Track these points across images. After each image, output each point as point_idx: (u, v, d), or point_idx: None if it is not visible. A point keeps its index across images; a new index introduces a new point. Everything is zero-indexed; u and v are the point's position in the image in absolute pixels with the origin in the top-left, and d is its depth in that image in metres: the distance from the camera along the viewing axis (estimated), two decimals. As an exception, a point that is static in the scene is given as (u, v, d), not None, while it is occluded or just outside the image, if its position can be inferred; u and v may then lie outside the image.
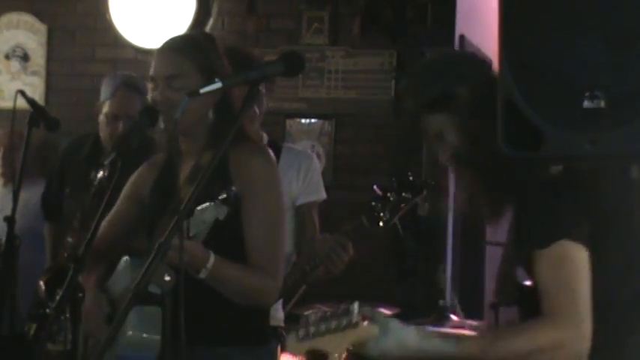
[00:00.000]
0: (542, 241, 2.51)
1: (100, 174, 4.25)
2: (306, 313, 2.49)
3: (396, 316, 5.18)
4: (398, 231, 3.58)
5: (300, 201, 4.23)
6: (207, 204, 2.82)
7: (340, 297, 4.93)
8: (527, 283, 2.67)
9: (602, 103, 2.26)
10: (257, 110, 4.02)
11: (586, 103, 2.27)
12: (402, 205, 3.77)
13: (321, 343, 2.48)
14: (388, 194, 3.77)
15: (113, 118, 4.61)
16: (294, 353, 2.52)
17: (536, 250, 2.51)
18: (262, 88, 4.02)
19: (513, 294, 2.74)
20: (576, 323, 2.47)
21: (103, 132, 4.66)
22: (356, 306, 2.48)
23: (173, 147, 3.13)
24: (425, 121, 2.78)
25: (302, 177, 4.21)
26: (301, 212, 4.20)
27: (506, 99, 2.35)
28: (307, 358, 2.62)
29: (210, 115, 3.16)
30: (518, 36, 2.36)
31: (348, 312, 2.47)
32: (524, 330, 2.52)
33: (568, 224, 2.51)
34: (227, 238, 3.06)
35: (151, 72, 3.19)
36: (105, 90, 4.70)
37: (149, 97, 3.22)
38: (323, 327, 2.47)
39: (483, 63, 2.83)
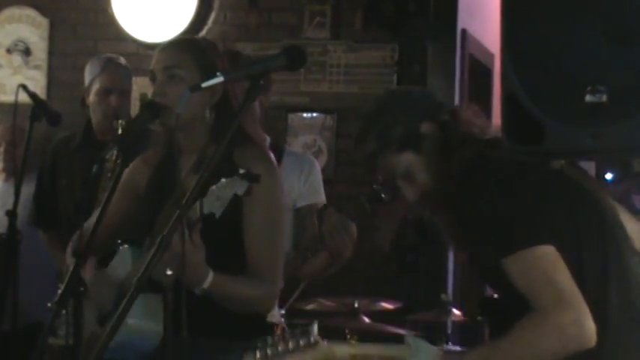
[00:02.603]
0: (509, 247, 2.53)
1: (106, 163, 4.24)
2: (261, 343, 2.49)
3: (397, 310, 5.20)
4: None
5: (301, 203, 4.23)
6: (225, 180, 2.79)
7: (342, 291, 4.95)
8: (494, 296, 2.71)
9: (604, 98, 2.26)
10: (258, 111, 4.03)
11: (588, 98, 2.27)
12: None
13: None
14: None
15: (105, 92, 4.61)
16: None
17: (505, 257, 2.53)
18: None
19: (479, 308, 2.78)
20: (566, 309, 2.47)
21: (96, 110, 4.64)
22: (315, 327, 2.49)
23: (173, 141, 3.13)
24: (389, 161, 2.77)
25: (303, 180, 4.21)
26: (301, 215, 4.21)
27: (508, 93, 2.35)
28: None
29: (208, 114, 3.16)
30: (520, 30, 2.36)
31: (306, 332, 2.48)
32: (521, 327, 2.52)
33: (525, 231, 2.53)
34: (225, 236, 3.06)
35: (151, 67, 3.21)
36: (90, 71, 4.71)
37: (149, 91, 3.22)
38: (281, 348, 2.46)
39: (441, 102, 2.85)
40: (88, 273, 3.27)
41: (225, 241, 3.07)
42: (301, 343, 2.46)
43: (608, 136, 2.28)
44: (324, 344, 2.49)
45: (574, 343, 2.48)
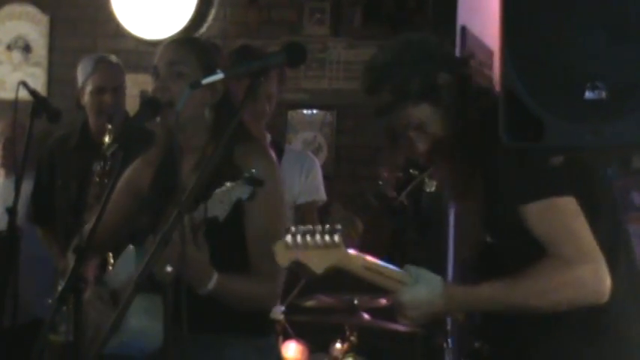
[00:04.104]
0: (534, 194, 2.53)
1: (102, 164, 4.25)
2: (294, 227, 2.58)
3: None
4: (403, 213, 3.58)
5: (301, 200, 4.24)
6: (229, 184, 2.80)
7: (341, 288, 4.95)
8: (488, 239, 2.70)
9: (604, 94, 2.26)
10: (267, 108, 4.04)
11: (587, 94, 2.27)
12: (410, 182, 3.77)
13: (304, 257, 2.55)
14: (396, 172, 3.77)
15: (99, 91, 4.62)
16: (281, 262, 2.58)
17: (527, 203, 2.54)
18: (273, 87, 4.04)
19: (477, 251, 2.76)
20: (588, 260, 2.49)
21: (91, 110, 4.66)
22: (339, 227, 2.55)
23: (173, 139, 3.13)
24: (404, 113, 2.75)
25: (304, 177, 4.22)
26: (301, 212, 4.21)
27: (508, 89, 2.35)
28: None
29: (207, 113, 3.17)
30: (519, 27, 2.36)
31: (332, 231, 2.55)
32: (539, 269, 2.52)
33: (554, 181, 2.53)
34: (229, 238, 3.06)
35: (154, 63, 3.21)
36: (83, 71, 4.72)
37: (149, 88, 3.22)
38: (308, 240, 2.54)
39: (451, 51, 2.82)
40: (90, 273, 3.27)
41: (229, 242, 3.08)
42: (326, 239, 2.54)
43: (608, 133, 2.28)
44: (343, 249, 2.56)
45: (591, 297, 2.51)
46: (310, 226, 2.56)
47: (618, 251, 2.63)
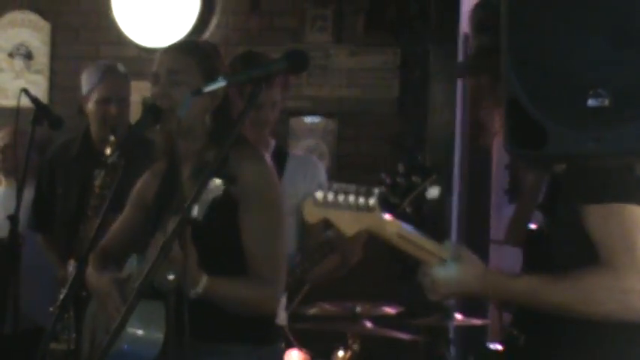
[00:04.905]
0: (599, 196, 2.47)
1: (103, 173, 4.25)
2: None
3: (399, 314, 5.19)
4: (406, 221, 3.56)
5: None
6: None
7: (343, 295, 4.95)
8: (532, 226, 2.66)
9: (606, 101, 2.25)
10: (271, 116, 4.03)
11: (590, 102, 2.27)
12: (412, 189, 3.75)
13: (334, 217, 2.43)
14: (397, 179, 3.75)
15: (105, 101, 4.60)
16: (308, 218, 2.45)
17: (591, 204, 2.48)
18: (277, 95, 4.03)
19: (522, 235, 2.72)
20: (638, 274, 2.44)
21: (95, 120, 4.64)
22: (376, 190, 2.44)
23: (174, 148, 3.12)
24: (492, 61, 2.62)
25: (309, 181, 4.21)
26: None
27: (510, 97, 2.35)
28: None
29: (208, 120, 3.16)
30: (521, 34, 2.35)
31: (369, 193, 2.42)
32: (588, 275, 2.47)
33: (623, 187, 2.48)
34: (215, 240, 3.05)
35: (154, 69, 3.20)
36: (89, 80, 4.70)
37: (150, 94, 3.21)
38: (341, 199, 2.41)
39: None
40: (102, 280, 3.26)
41: (216, 244, 3.06)
42: (360, 201, 2.41)
43: (611, 140, 2.28)
44: (378, 213, 2.43)
45: (633, 312, 2.45)
46: (345, 185, 2.43)
47: None
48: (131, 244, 3.34)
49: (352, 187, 2.43)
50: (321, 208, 2.43)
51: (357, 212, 2.42)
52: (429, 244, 2.52)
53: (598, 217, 2.48)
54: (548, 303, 2.50)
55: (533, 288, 2.51)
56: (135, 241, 3.35)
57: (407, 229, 2.50)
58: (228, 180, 2.72)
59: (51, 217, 4.76)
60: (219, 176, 2.68)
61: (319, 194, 2.42)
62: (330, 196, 2.42)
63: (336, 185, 2.43)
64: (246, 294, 3.10)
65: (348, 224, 2.43)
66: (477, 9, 2.74)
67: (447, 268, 2.51)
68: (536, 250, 2.67)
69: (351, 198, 2.41)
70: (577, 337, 2.57)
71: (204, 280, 2.95)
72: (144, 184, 3.36)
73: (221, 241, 3.09)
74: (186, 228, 2.59)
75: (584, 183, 2.51)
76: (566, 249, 2.57)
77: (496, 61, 2.56)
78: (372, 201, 2.42)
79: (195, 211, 2.75)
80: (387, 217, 2.46)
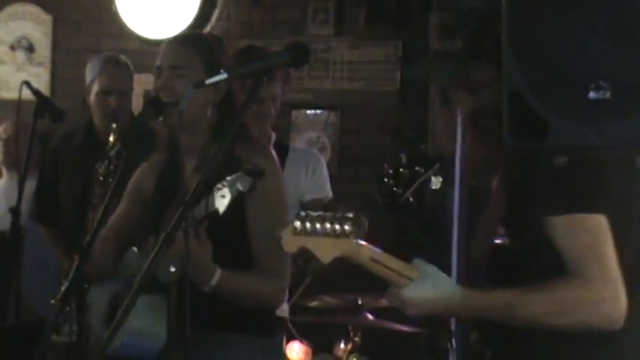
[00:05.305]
0: (564, 208, 2.47)
1: (105, 164, 4.25)
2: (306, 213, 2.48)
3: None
4: (409, 211, 3.57)
5: (307, 197, 4.23)
6: (229, 178, 2.77)
7: (345, 288, 4.95)
8: (498, 241, 2.66)
9: (608, 94, 2.25)
10: (272, 110, 4.03)
11: (591, 94, 2.27)
12: (415, 179, 3.75)
13: (312, 245, 2.45)
14: (400, 170, 3.75)
15: (105, 93, 4.60)
16: (287, 248, 2.49)
17: (556, 215, 2.47)
18: (278, 89, 4.03)
19: (486, 249, 2.72)
20: (609, 284, 2.43)
21: (96, 111, 4.64)
22: (351, 215, 2.45)
23: (176, 141, 3.12)
24: (475, 65, 2.61)
25: (310, 175, 4.22)
26: (307, 209, 4.21)
27: (512, 89, 2.35)
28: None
29: (210, 113, 3.16)
30: (523, 26, 2.35)
31: (344, 219, 2.44)
32: (557, 286, 2.47)
33: (587, 197, 2.48)
34: (229, 233, 3.06)
35: (157, 62, 3.20)
36: (91, 71, 4.70)
37: (153, 86, 3.22)
38: (318, 227, 2.43)
39: None
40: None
41: (230, 237, 3.07)
42: (336, 228, 2.43)
43: (612, 133, 2.28)
44: (353, 239, 2.44)
45: (606, 321, 2.45)
46: (321, 212, 2.46)
47: (638, 274, 2.59)
48: (127, 237, 3.34)
49: (328, 214, 2.45)
50: (299, 236, 2.46)
51: (334, 239, 2.44)
52: (400, 265, 2.53)
53: (564, 228, 2.48)
54: (520, 317, 2.50)
55: (504, 302, 2.50)
56: (131, 233, 3.35)
57: (378, 252, 2.51)
58: (256, 174, 2.73)
59: (54, 208, 4.76)
60: (246, 171, 2.70)
61: (297, 223, 2.45)
62: (308, 225, 2.45)
63: (312, 214, 2.46)
64: (256, 288, 3.11)
65: (325, 251, 2.45)
66: (439, 12, 2.73)
67: (417, 288, 2.52)
68: (500, 265, 2.67)
69: (328, 225, 2.44)
70: (543, 350, 2.58)
71: (217, 275, 2.96)
72: (141, 176, 3.36)
73: (235, 234, 3.10)
74: (188, 221, 2.60)
75: (549, 195, 2.51)
76: (531, 262, 2.57)
77: (455, 67, 2.58)
78: (347, 227, 2.44)
79: (217, 203, 2.77)
80: (361, 242, 2.48)
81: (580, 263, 2.45)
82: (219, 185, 2.78)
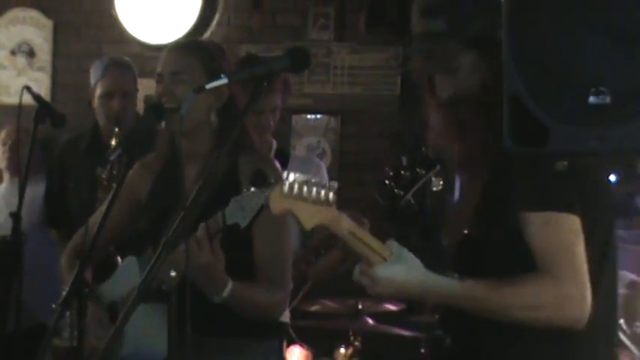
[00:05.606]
0: (540, 205, 2.50)
1: (107, 169, 4.25)
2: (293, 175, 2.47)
3: (401, 312, 5.19)
4: (411, 211, 3.57)
5: None
6: (249, 191, 2.77)
7: (345, 292, 4.95)
8: (465, 231, 2.67)
9: (608, 99, 2.26)
10: (272, 121, 4.04)
11: (591, 99, 2.27)
12: (416, 180, 3.75)
13: (297, 208, 2.44)
14: (401, 171, 3.75)
15: (108, 96, 4.61)
16: (274, 210, 2.46)
17: (532, 212, 2.50)
18: (277, 100, 4.04)
19: (455, 237, 2.73)
20: (578, 284, 2.46)
21: (100, 114, 4.65)
22: (335, 185, 2.46)
23: (177, 147, 3.12)
24: (447, 51, 2.62)
25: None
26: None
27: (512, 94, 2.35)
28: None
29: (213, 118, 3.16)
30: (523, 31, 2.35)
31: (329, 187, 2.45)
32: (528, 281, 2.49)
33: (565, 196, 2.51)
34: (245, 245, 3.07)
35: (158, 69, 3.20)
36: (94, 73, 4.71)
37: (154, 92, 3.22)
38: (304, 191, 2.43)
39: None
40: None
41: (235, 247, 3.07)
42: (321, 194, 2.44)
43: (612, 138, 2.28)
44: (334, 209, 2.46)
45: (571, 318, 2.48)
46: (307, 176, 2.45)
47: (605, 268, 2.62)
48: (113, 239, 3.33)
49: (315, 179, 2.45)
50: (286, 199, 2.44)
51: (317, 206, 2.44)
52: (375, 244, 2.53)
53: (538, 225, 2.50)
54: (488, 308, 2.51)
55: (473, 293, 2.52)
56: (118, 235, 3.34)
57: (358, 228, 2.52)
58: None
59: (63, 212, 4.77)
60: (269, 185, 2.68)
61: (285, 186, 2.44)
62: (295, 188, 2.44)
63: (300, 177, 2.45)
64: (262, 299, 3.12)
65: (308, 216, 2.45)
66: None
67: (389, 267, 2.52)
68: (465, 254, 2.68)
69: (313, 190, 2.44)
70: (501, 339, 2.58)
71: (229, 286, 2.96)
72: (135, 179, 3.34)
73: (245, 246, 3.10)
74: (216, 233, 2.60)
75: (526, 191, 2.52)
76: (496, 255, 2.59)
77: (446, 47, 2.58)
78: (331, 196, 2.45)
79: (237, 217, 2.76)
80: (342, 214, 2.49)
81: (551, 261, 2.48)
82: (237, 198, 2.77)
